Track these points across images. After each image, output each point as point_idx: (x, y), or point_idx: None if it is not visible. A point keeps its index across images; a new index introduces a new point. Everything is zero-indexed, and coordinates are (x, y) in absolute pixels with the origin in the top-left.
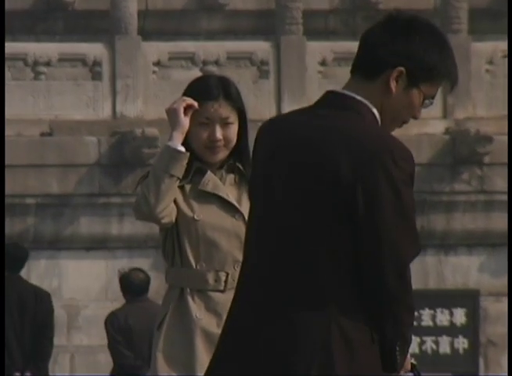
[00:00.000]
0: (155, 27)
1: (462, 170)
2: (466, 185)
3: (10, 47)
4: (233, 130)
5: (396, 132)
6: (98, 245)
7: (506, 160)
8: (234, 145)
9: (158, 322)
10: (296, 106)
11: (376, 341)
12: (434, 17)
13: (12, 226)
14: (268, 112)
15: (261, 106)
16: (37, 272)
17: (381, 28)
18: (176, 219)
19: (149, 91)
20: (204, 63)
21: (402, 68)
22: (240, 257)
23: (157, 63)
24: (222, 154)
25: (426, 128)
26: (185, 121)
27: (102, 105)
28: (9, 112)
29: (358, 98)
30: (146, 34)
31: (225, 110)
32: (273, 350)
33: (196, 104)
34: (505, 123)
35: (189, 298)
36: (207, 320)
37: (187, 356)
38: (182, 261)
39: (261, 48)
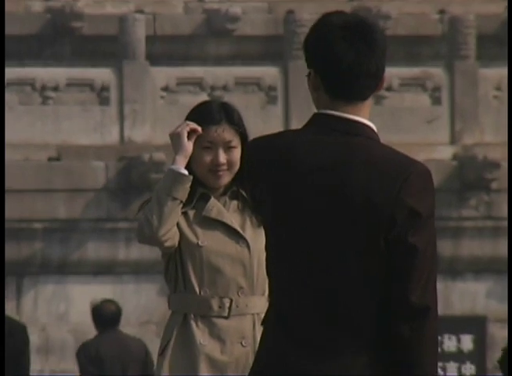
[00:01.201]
0: (163, 51)
1: (469, 196)
2: (474, 211)
3: (18, 72)
4: (236, 154)
5: None
6: (105, 270)
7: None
8: (237, 170)
9: (161, 348)
10: None
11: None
12: (441, 43)
13: (19, 251)
14: None
15: (269, 132)
16: (44, 296)
17: (347, 42)
18: (180, 245)
19: (156, 116)
20: (212, 88)
21: (382, 80)
22: (243, 283)
23: (165, 88)
24: (226, 179)
25: (433, 153)
26: (189, 146)
27: (110, 130)
28: (17, 136)
29: (362, 120)
30: (153, 59)
31: (228, 134)
32: None
33: (199, 129)
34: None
35: (193, 324)
36: (211, 346)
37: None
38: (186, 286)
39: (269, 73)
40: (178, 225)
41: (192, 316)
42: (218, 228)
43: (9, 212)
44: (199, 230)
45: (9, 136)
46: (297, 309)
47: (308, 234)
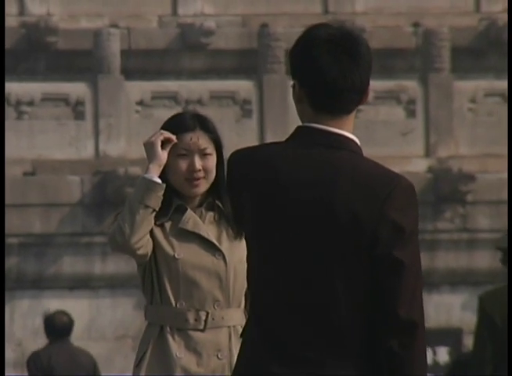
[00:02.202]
0: (138, 66)
1: (444, 208)
2: (449, 223)
3: None
4: (212, 161)
5: None
6: (81, 284)
7: (488, 198)
8: (213, 180)
9: (137, 359)
10: None
11: None
12: (415, 56)
13: None
14: None
15: (244, 145)
16: (20, 311)
17: (331, 56)
18: (156, 257)
19: (131, 130)
20: (187, 102)
21: (366, 93)
22: (220, 296)
23: (140, 103)
24: (203, 187)
25: (408, 166)
26: (163, 154)
27: (85, 144)
28: None
29: (346, 134)
30: (128, 74)
31: (203, 141)
32: None
33: (173, 137)
34: (487, 161)
35: (169, 337)
36: (187, 359)
37: None
38: (162, 299)
39: (243, 87)
40: (154, 237)
41: (169, 328)
42: (195, 240)
43: None
44: (175, 242)
45: None
46: (279, 322)
47: (291, 249)
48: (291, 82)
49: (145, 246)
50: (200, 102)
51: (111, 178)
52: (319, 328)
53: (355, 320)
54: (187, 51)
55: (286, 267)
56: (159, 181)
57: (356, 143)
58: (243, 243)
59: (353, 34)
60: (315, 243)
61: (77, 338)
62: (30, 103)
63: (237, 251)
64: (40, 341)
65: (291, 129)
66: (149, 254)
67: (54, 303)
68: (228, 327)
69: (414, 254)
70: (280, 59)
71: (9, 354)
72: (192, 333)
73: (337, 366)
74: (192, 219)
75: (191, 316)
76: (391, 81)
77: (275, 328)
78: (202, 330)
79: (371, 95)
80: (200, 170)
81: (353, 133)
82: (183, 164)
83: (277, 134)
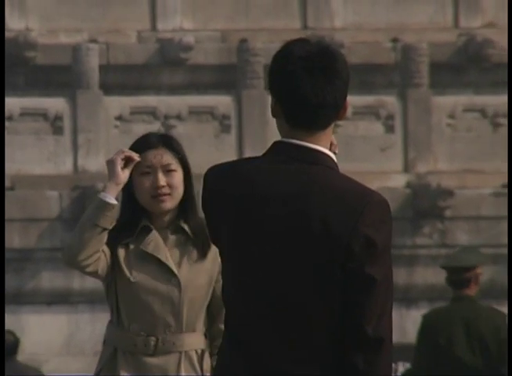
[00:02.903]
0: (116, 81)
1: (423, 224)
2: (428, 239)
3: None
4: (177, 177)
5: None
6: (60, 299)
7: (467, 213)
8: (180, 201)
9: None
10: None
11: None
12: (394, 71)
13: None
14: None
15: (223, 160)
16: None
17: (306, 72)
18: (115, 277)
19: (110, 145)
20: (166, 117)
21: (343, 109)
22: (172, 321)
23: (119, 118)
24: (169, 204)
25: (387, 181)
26: (123, 173)
27: (64, 159)
28: None
29: (321, 149)
30: (107, 89)
31: (166, 157)
32: None
33: (135, 156)
34: (466, 176)
35: (120, 358)
36: None
37: None
38: (118, 320)
39: (222, 102)
40: (117, 257)
41: (120, 350)
42: (153, 264)
43: None
44: (134, 265)
45: None
46: (254, 336)
47: (267, 262)
48: (270, 97)
49: (94, 264)
50: (178, 117)
51: (90, 193)
52: (292, 341)
53: (328, 334)
54: (166, 66)
55: (261, 280)
56: (111, 201)
57: (332, 159)
58: (206, 265)
59: (330, 50)
60: (289, 257)
61: (55, 354)
62: (9, 118)
63: (197, 276)
64: (19, 358)
65: (270, 144)
66: (101, 272)
67: (33, 318)
68: (180, 352)
69: (386, 270)
70: (259, 74)
71: None
72: (140, 357)
73: None
74: (154, 242)
75: (140, 341)
76: (370, 96)
77: (250, 341)
78: (151, 355)
79: (350, 110)
80: (164, 186)
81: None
82: (147, 182)
83: (256, 149)
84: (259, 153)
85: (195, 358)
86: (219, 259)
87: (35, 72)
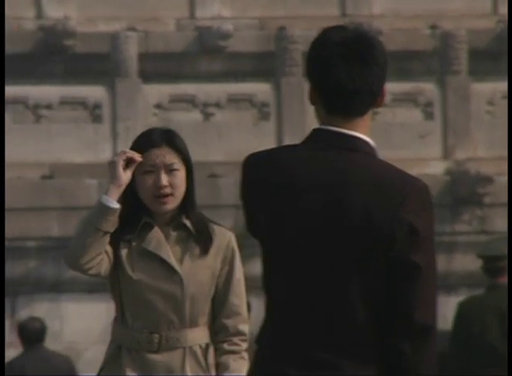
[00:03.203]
0: (155, 69)
1: (462, 211)
2: (467, 225)
3: (11, 90)
4: (180, 177)
5: None
6: (99, 287)
7: (506, 200)
8: (182, 197)
9: (97, 373)
10: None
11: None
12: (433, 58)
13: (12, 270)
14: None
15: (262, 148)
16: (39, 315)
17: (342, 59)
18: (119, 275)
19: None
20: (205, 105)
21: (380, 96)
22: (175, 318)
23: (158, 106)
24: (171, 205)
25: (426, 168)
26: (125, 175)
27: (103, 147)
28: (10, 155)
29: (360, 136)
30: (146, 77)
31: (169, 157)
32: None
33: (137, 156)
34: (505, 163)
35: (124, 356)
36: None
37: None
38: (122, 317)
39: (261, 90)
40: (119, 254)
41: (125, 348)
42: (154, 261)
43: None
44: (136, 262)
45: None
46: (296, 325)
47: (306, 251)
48: (308, 85)
49: (96, 266)
50: (217, 105)
51: None
52: (335, 330)
53: (370, 323)
54: (205, 54)
55: (298, 269)
56: (113, 205)
57: (370, 145)
58: (208, 261)
59: (367, 37)
60: (329, 245)
61: (94, 342)
62: (48, 107)
63: (199, 273)
64: (59, 346)
65: (309, 131)
66: (104, 272)
67: (72, 306)
68: (184, 348)
69: (430, 257)
70: (298, 61)
71: None
72: (145, 354)
73: (354, 367)
74: (155, 239)
75: (144, 339)
76: (408, 83)
77: (292, 331)
78: (155, 352)
79: (388, 97)
80: (166, 186)
81: (370, 136)
82: (149, 181)
83: (295, 136)
84: (298, 141)
85: (199, 353)
86: (221, 255)
87: (74, 61)
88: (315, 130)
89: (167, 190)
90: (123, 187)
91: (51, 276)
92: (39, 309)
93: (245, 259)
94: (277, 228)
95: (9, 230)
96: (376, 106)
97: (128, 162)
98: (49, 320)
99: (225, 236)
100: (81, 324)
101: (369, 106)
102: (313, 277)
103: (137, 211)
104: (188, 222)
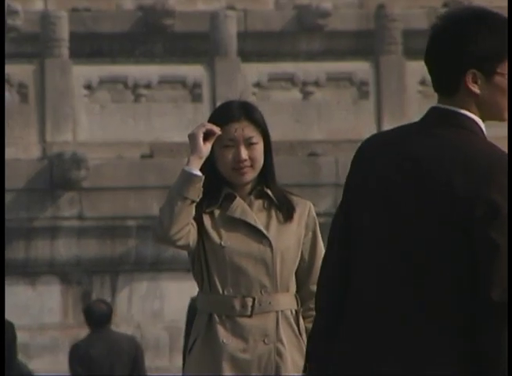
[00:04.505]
0: (254, 48)
1: None
2: None
3: (110, 70)
4: (259, 150)
5: None
6: None
7: None
8: (261, 169)
9: (189, 347)
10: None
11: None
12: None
13: (113, 249)
14: (368, 132)
15: (361, 127)
16: (138, 294)
17: (434, 40)
18: (204, 245)
19: None
20: (304, 83)
21: (472, 70)
22: (266, 282)
23: (257, 85)
24: (250, 175)
25: None
26: (205, 147)
27: None
28: (110, 135)
29: (463, 112)
30: (245, 56)
31: (249, 130)
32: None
33: (216, 129)
34: None
35: (217, 324)
36: (234, 345)
37: None
38: (211, 286)
39: (360, 68)
40: (203, 225)
41: (216, 315)
42: (242, 228)
43: (103, 210)
44: (222, 231)
45: (102, 134)
46: (376, 296)
47: (391, 224)
48: (408, 63)
49: (185, 237)
50: (316, 83)
51: None
52: (414, 302)
53: (451, 297)
54: (303, 33)
55: (383, 240)
56: (197, 173)
57: (477, 123)
58: (292, 228)
59: (484, 14)
60: (413, 219)
61: None
62: (148, 86)
63: (286, 238)
64: (159, 325)
65: (408, 110)
66: (192, 244)
67: (172, 285)
68: (276, 311)
69: (506, 238)
70: (397, 40)
71: None
72: (239, 319)
73: (434, 346)
74: (240, 207)
75: (237, 303)
76: None
77: (372, 300)
78: (249, 316)
79: None
80: (246, 160)
81: None
82: (229, 155)
83: (394, 115)
84: (398, 119)
85: (291, 317)
86: (304, 223)
87: (173, 40)
88: (431, 108)
89: (247, 164)
90: (203, 159)
91: (151, 255)
92: (139, 288)
93: None
94: (367, 200)
95: (110, 209)
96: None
97: (208, 135)
98: (149, 300)
99: (305, 205)
100: (181, 303)
101: (460, 81)
102: (397, 248)
103: (217, 184)
104: (269, 191)
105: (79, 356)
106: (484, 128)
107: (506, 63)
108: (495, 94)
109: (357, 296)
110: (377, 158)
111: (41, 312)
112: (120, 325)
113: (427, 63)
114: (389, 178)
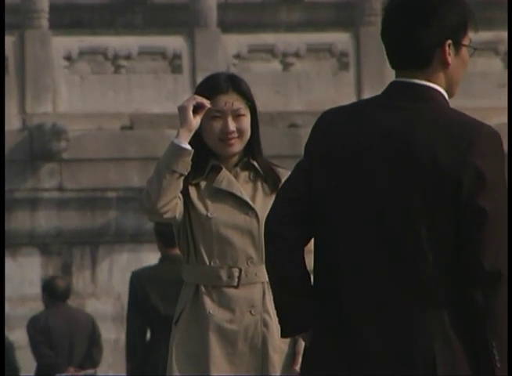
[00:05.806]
0: (234, 19)
1: None
2: None
3: (90, 41)
4: (246, 122)
5: None
6: None
7: None
8: (248, 139)
9: (175, 318)
10: None
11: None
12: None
13: (93, 220)
14: None
15: (342, 98)
16: (119, 265)
17: (399, 12)
18: (190, 217)
19: None
20: (284, 55)
21: (449, 41)
22: (253, 253)
23: (237, 56)
24: (237, 147)
25: (506, 118)
26: (194, 120)
27: (183, 98)
28: (90, 106)
29: (431, 85)
30: (225, 27)
31: (236, 102)
32: (387, 347)
33: (206, 102)
34: None
35: (204, 295)
36: (220, 316)
37: (201, 351)
38: (197, 258)
39: (340, 39)
40: (189, 197)
41: (203, 286)
42: (228, 199)
43: (83, 182)
44: (209, 202)
45: (82, 106)
46: (364, 268)
47: (374, 197)
48: None
49: (172, 210)
50: (297, 54)
51: None
52: (403, 274)
53: (440, 268)
54: (284, 4)
55: (367, 215)
56: (186, 146)
57: (443, 94)
58: None
59: None
60: (397, 190)
61: None
62: (128, 57)
63: None
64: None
65: (388, 81)
66: (178, 216)
67: (153, 257)
68: (262, 282)
69: (497, 204)
70: (377, 11)
71: (109, 308)
72: (225, 290)
73: (423, 318)
74: (226, 178)
75: (224, 273)
76: (489, 32)
77: (359, 273)
78: (235, 287)
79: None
80: (233, 131)
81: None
82: (217, 126)
83: (374, 87)
84: (378, 90)
85: None
86: None
87: (153, 11)
88: (394, 82)
89: (234, 135)
90: (193, 132)
91: (131, 226)
92: (119, 259)
93: None
94: (340, 174)
95: (90, 181)
96: (444, 56)
97: (197, 108)
98: (129, 271)
99: None
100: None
101: (434, 57)
102: (382, 221)
103: (204, 155)
104: (255, 163)
105: (38, 328)
106: (447, 99)
107: (468, 36)
108: (459, 66)
109: (334, 276)
110: (343, 129)
111: (22, 283)
112: (101, 297)
113: (387, 39)
114: (358, 150)
